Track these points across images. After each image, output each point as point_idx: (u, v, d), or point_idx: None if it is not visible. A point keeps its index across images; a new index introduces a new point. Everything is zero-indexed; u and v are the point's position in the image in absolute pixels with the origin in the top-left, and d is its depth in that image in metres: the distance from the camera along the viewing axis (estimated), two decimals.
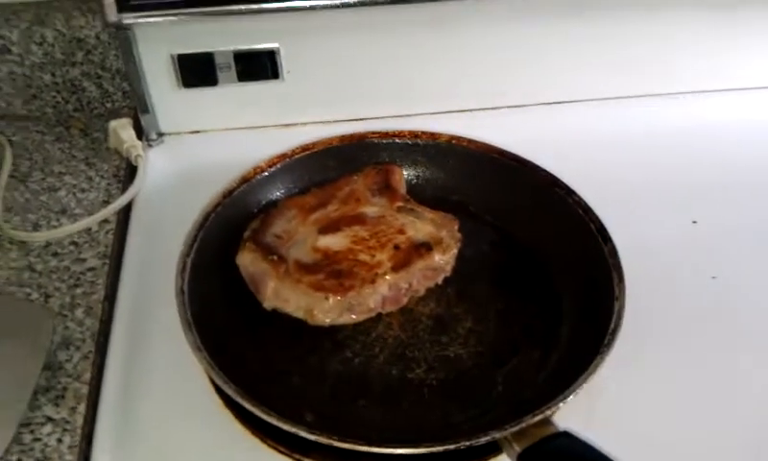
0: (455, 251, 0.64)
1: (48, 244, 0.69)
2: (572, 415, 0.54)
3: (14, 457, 0.54)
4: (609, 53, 0.81)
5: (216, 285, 0.63)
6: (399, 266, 0.61)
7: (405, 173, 0.72)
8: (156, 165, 0.78)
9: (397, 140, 0.73)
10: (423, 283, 0.63)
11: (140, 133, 0.80)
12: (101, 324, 0.63)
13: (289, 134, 0.82)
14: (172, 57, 0.75)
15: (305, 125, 0.83)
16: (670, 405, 0.58)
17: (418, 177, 0.73)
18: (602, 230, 0.64)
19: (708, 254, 0.70)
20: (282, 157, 0.71)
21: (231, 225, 0.66)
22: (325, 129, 0.82)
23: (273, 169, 0.70)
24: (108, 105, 0.85)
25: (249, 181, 0.69)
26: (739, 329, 0.65)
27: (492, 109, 0.84)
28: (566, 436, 0.50)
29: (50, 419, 0.57)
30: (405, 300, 0.63)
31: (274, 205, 0.68)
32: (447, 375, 0.59)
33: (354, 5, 0.71)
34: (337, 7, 0.71)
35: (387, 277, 0.61)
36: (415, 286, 0.63)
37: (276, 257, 0.62)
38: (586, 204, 0.66)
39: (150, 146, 0.80)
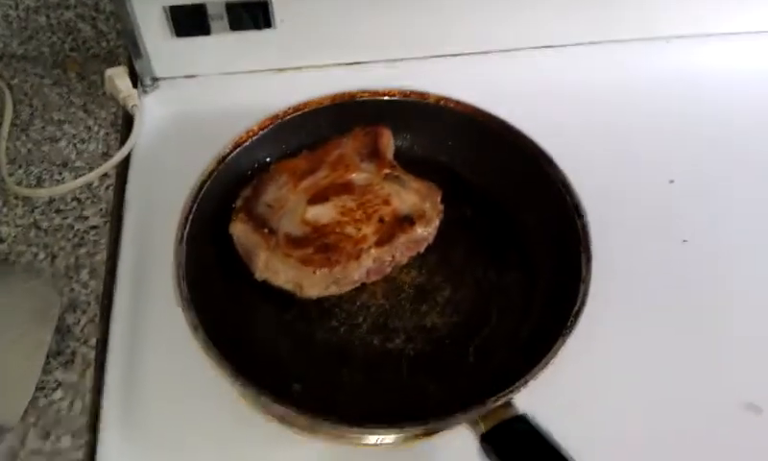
0: (437, 222, 0.67)
1: (51, 200, 0.73)
2: (537, 393, 0.59)
3: (32, 419, 0.61)
4: None
5: (212, 254, 0.67)
6: (383, 241, 0.65)
7: (394, 132, 0.73)
8: (152, 113, 0.80)
9: (387, 99, 0.74)
10: (406, 254, 0.67)
11: (136, 78, 0.81)
12: (104, 286, 0.68)
13: (283, 79, 0.84)
14: (164, 8, 0.75)
15: (299, 70, 0.84)
16: (633, 382, 0.63)
17: (406, 136, 0.75)
18: (577, 205, 0.66)
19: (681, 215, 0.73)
20: (274, 118, 0.72)
21: (226, 190, 0.69)
22: (318, 74, 0.83)
23: (265, 131, 0.72)
24: (104, 44, 0.85)
25: (241, 146, 0.71)
26: (709, 299, 0.68)
27: (482, 53, 0.85)
28: (523, 421, 0.55)
29: (61, 383, 0.62)
30: (389, 269, 0.67)
31: (266, 167, 0.71)
32: (424, 345, 0.64)
33: None
34: None
35: (371, 251, 0.64)
36: (398, 258, 0.66)
37: (266, 231, 0.65)
38: (564, 177, 0.68)
39: (145, 92, 0.81)
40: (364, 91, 0.74)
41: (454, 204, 0.70)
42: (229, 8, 0.76)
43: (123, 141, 0.78)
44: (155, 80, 0.82)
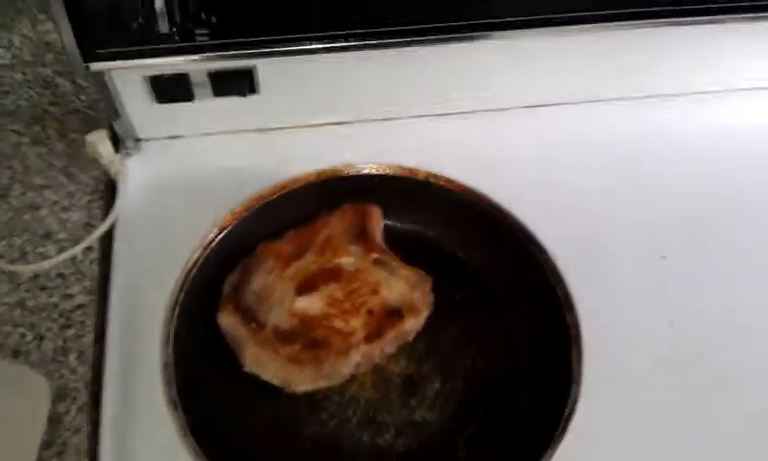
0: (426, 314, 0.67)
1: (36, 276, 0.72)
2: None
3: None
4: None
5: (200, 344, 0.67)
6: (372, 336, 0.65)
7: (383, 206, 0.73)
8: (135, 176, 0.79)
9: (375, 173, 0.74)
10: (395, 345, 0.67)
11: (118, 139, 0.79)
12: (93, 371, 0.68)
13: (268, 139, 0.82)
14: (144, 77, 0.73)
15: (284, 130, 0.83)
16: None
17: (395, 210, 0.74)
18: (567, 297, 0.67)
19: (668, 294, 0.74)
20: (259, 198, 0.71)
21: (212, 276, 0.68)
22: (302, 134, 0.82)
23: (250, 212, 0.71)
24: (84, 98, 0.83)
25: (226, 229, 0.70)
26: (698, 379, 0.70)
27: (469, 112, 0.84)
28: None
29: None
30: (378, 360, 0.67)
31: (253, 250, 0.70)
32: (414, 441, 0.65)
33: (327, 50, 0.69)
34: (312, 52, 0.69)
35: (360, 347, 0.65)
36: (387, 350, 0.67)
37: (254, 325, 0.65)
38: (555, 265, 0.68)
39: (128, 154, 0.80)
40: (350, 166, 0.74)
41: (443, 285, 0.71)
42: (213, 77, 0.74)
43: (106, 207, 0.77)
44: (137, 140, 0.80)
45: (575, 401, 0.62)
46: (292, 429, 0.65)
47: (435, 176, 0.73)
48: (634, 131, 0.85)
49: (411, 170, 0.74)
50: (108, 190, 0.78)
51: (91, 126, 0.80)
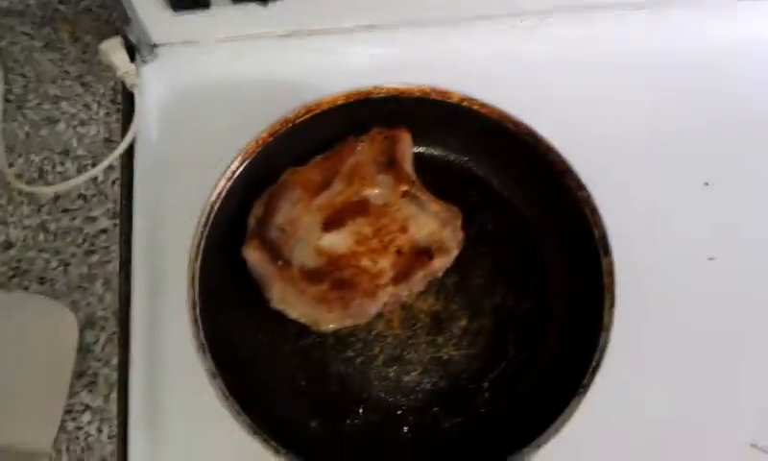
0: (456, 253, 0.65)
1: (57, 197, 0.71)
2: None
3: (63, 446, 0.63)
4: None
5: (227, 279, 0.65)
6: (400, 277, 0.63)
7: (413, 130, 0.69)
8: (153, 87, 0.75)
9: (406, 96, 0.69)
10: (423, 284, 0.66)
11: (132, 47, 0.75)
12: (120, 300, 0.68)
13: (290, 44, 0.77)
14: None
15: (308, 35, 0.77)
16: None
17: (426, 135, 0.70)
18: (603, 238, 0.64)
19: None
20: (285, 122, 0.67)
21: (237, 206, 0.66)
22: (328, 39, 0.77)
23: (275, 138, 0.67)
24: None
25: (251, 157, 0.67)
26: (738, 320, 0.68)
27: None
28: None
29: (88, 406, 0.64)
30: (405, 298, 0.66)
31: (278, 176, 0.67)
32: (439, 379, 0.65)
33: None
34: None
35: (388, 288, 0.63)
36: (414, 290, 0.65)
37: (280, 263, 0.64)
38: (594, 204, 0.65)
39: (144, 62, 0.75)
40: (380, 88, 0.69)
41: (476, 215, 0.68)
42: None
43: (124, 119, 0.74)
44: (153, 46, 0.75)
45: (603, 350, 0.61)
46: (318, 366, 0.65)
47: (469, 99, 0.68)
48: (667, 45, 0.78)
49: (444, 92, 0.69)
50: (126, 101, 0.75)
51: (104, 29, 0.76)
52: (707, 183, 0.73)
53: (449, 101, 0.68)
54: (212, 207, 0.65)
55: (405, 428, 0.63)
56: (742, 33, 0.78)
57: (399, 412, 0.64)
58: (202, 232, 0.64)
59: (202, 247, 0.64)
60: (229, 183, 0.66)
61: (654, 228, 0.70)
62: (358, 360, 0.65)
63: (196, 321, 0.61)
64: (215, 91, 0.75)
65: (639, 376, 0.65)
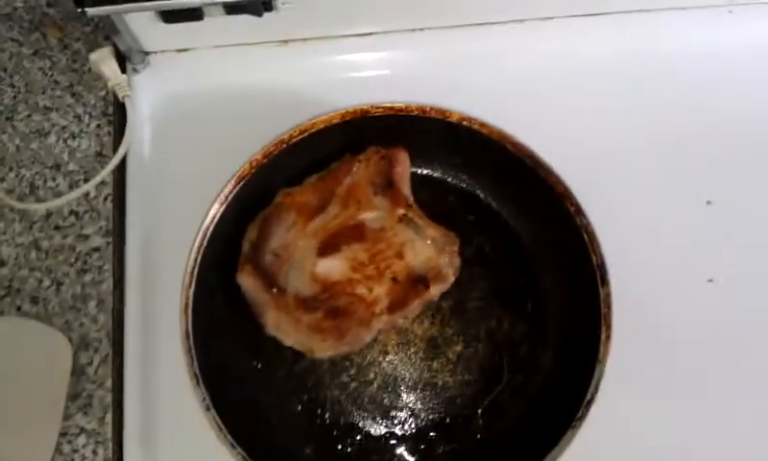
0: (452, 279, 0.65)
1: (49, 214, 0.69)
2: None
3: None
4: None
5: (220, 302, 0.65)
6: (395, 306, 0.63)
7: (410, 149, 0.67)
8: (145, 97, 0.73)
9: (404, 115, 0.67)
10: (419, 310, 0.65)
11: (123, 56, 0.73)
12: (114, 320, 0.67)
13: (286, 53, 0.75)
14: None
15: (304, 42, 0.75)
16: None
17: (424, 154, 0.69)
18: (602, 267, 0.63)
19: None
20: (279, 143, 0.66)
21: (231, 228, 0.65)
22: (324, 46, 0.75)
23: (269, 159, 0.66)
24: None
25: (245, 179, 0.65)
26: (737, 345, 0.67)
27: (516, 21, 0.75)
28: None
29: (83, 429, 0.64)
30: (400, 323, 0.65)
31: (272, 196, 0.66)
32: (434, 405, 0.65)
33: None
34: None
35: (383, 317, 0.63)
36: (410, 316, 0.65)
37: (276, 290, 0.63)
38: (593, 230, 0.64)
39: (136, 71, 0.73)
40: (378, 107, 0.67)
41: (472, 234, 0.68)
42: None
43: (116, 132, 0.72)
44: (145, 54, 0.73)
45: (598, 383, 0.61)
46: (313, 391, 0.65)
47: (469, 118, 0.67)
48: (669, 52, 0.76)
49: (443, 111, 0.67)
50: (118, 111, 0.73)
51: (94, 34, 0.74)
52: (709, 202, 0.71)
53: (449, 120, 0.67)
54: (205, 233, 0.64)
55: (399, 455, 0.64)
56: (749, 39, 0.76)
57: (394, 439, 0.64)
58: (195, 259, 0.63)
59: (195, 274, 0.63)
60: (223, 207, 0.65)
61: (652, 247, 0.69)
62: (352, 385, 0.65)
63: (189, 350, 0.61)
64: (210, 100, 0.73)
65: (635, 400, 0.65)
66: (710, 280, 0.69)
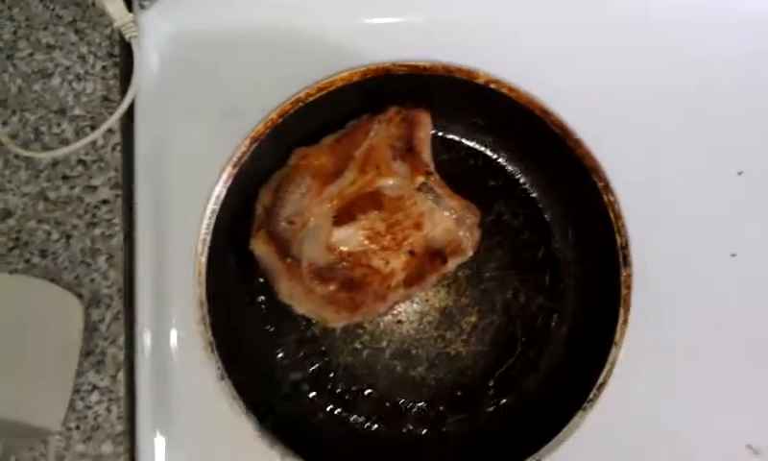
0: (471, 253, 0.63)
1: (55, 163, 0.67)
2: None
3: (73, 424, 0.65)
4: None
5: (234, 266, 0.64)
6: (412, 281, 0.62)
7: (433, 109, 0.64)
8: (154, 38, 0.69)
9: (428, 75, 0.64)
10: (435, 282, 0.64)
11: None
12: (125, 277, 0.66)
13: None
14: None
15: None
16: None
17: (447, 115, 0.66)
18: (625, 248, 0.62)
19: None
20: (296, 102, 0.63)
21: (244, 191, 0.63)
22: None
23: (284, 119, 0.63)
24: None
25: (258, 140, 0.63)
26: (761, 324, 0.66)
27: None
28: None
29: (95, 386, 0.65)
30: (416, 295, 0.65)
31: (286, 158, 0.64)
32: (446, 374, 0.65)
33: None
34: None
35: (399, 291, 0.62)
36: (426, 289, 0.64)
37: (290, 260, 0.62)
38: (619, 208, 0.62)
39: (143, 7, 0.69)
40: (401, 64, 0.63)
41: (495, 202, 0.66)
42: None
43: (123, 74, 0.68)
44: None
45: (612, 366, 0.60)
46: (325, 357, 0.65)
47: (497, 81, 0.63)
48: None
49: (470, 72, 0.63)
50: (124, 52, 0.69)
51: None
52: (740, 173, 0.68)
53: (475, 81, 0.63)
54: (218, 198, 0.62)
55: (410, 424, 0.64)
56: None
57: (404, 407, 0.65)
58: (208, 224, 0.62)
59: (208, 240, 0.62)
60: (236, 170, 0.62)
61: (676, 220, 0.67)
62: (365, 352, 0.65)
63: (203, 319, 0.61)
64: (224, 41, 0.69)
65: (650, 383, 0.64)
66: (733, 255, 0.67)
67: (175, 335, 0.65)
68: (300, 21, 0.69)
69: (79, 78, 0.68)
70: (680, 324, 0.65)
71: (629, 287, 0.61)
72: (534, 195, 0.67)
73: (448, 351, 0.65)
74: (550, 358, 0.65)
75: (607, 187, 0.62)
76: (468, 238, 0.63)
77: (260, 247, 0.62)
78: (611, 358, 0.60)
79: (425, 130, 0.64)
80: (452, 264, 0.62)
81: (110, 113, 0.67)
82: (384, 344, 0.65)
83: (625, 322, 0.61)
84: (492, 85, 0.63)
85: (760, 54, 0.69)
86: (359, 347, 0.65)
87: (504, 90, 0.63)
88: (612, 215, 0.62)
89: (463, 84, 0.63)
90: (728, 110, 0.68)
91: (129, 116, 0.68)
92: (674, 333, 0.65)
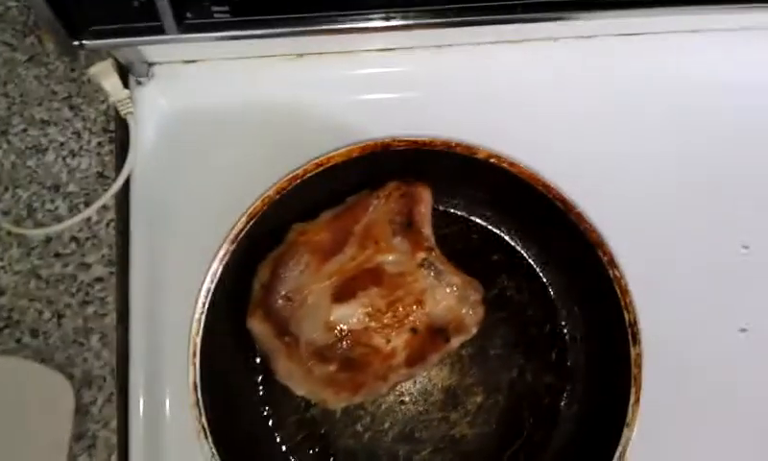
0: (474, 331, 0.61)
1: (48, 240, 0.66)
2: None
3: None
4: None
5: (230, 345, 0.62)
6: (414, 360, 0.60)
7: (433, 183, 0.63)
8: (150, 114, 0.68)
9: (428, 150, 0.63)
10: (438, 360, 0.62)
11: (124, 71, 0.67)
12: (118, 357, 0.64)
13: (303, 66, 0.69)
14: None
15: (320, 56, 0.69)
16: None
17: (448, 190, 0.65)
18: (634, 325, 0.60)
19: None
20: (293, 179, 0.62)
21: (241, 267, 0.61)
22: (339, 60, 0.69)
23: (281, 195, 0.61)
24: None
25: (256, 217, 0.61)
26: None
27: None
28: None
29: None
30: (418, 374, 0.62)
31: (284, 234, 0.62)
32: (451, 459, 0.62)
33: None
34: None
35: (401, 370, 0.60)
36: (429, 368, 0.62)
37: (287, 339, 0.60)
38: (626, 284, 0.60)
39: (139, 83, 0.68)
40: (400, 140, 0.62)
41: (496, 275, 0.64)
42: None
43: (118, 151, 0.68)
44: (149, 65, 0.68)
45: (625, 448, 0.58)
46: (325, 441, 0.63)
47: (497, 156, 0.62)
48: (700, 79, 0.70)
49: (469, 147, 0.62)
50: (120, 128, 0.68)
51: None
52: (746, 246, 0.67)
53: (475, 156, 0.62)
54: (214, 275, 0.60)
55: None
56: None
57: None
58: (203, 304, 0.60)
59: (203, 320, 0.60)
60: (233, 247, 0.61)
61: (683, 294, 0.66)
62: (366, 435, 0.63)
63: (197, 403, 0.58)
64: (219, 117, 0.68)
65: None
66: (743, 330, 0.66)
67: (169, 418, 0.63)
68: (296, 97, 0.69)
69: (73, 154, 0.67)
70: (692, 400, 0.64)
71: (639, 366, 0.59)
72: (538, 270, 0.65)
73: (453, 434, 0.63)
74: (559, 440, 0.62)
75: (612, 262, 0.60)
76: (472, 316, 0.61)
77: (257, 325, 0.60)
78: (623, 440, 0.58)
79: (426, 205, 0.62)
80: (455, 342, 0.60)
81: (105, 189, 0.66)
82: (386, 426, 0.63)
83: (637, 401, 0.58)
84: (493, 160, 0.62)
85: (762, 125, 0.69)
86: (360, 429, 0.63)
87: (505, 165, 0.62)
88: (618, 291, 0.60)
89: (463, 159, 0.62)
90: (732, 184, 0.68)
91: (124, 192, 0.67)
92: (686, 411, 0.63)
